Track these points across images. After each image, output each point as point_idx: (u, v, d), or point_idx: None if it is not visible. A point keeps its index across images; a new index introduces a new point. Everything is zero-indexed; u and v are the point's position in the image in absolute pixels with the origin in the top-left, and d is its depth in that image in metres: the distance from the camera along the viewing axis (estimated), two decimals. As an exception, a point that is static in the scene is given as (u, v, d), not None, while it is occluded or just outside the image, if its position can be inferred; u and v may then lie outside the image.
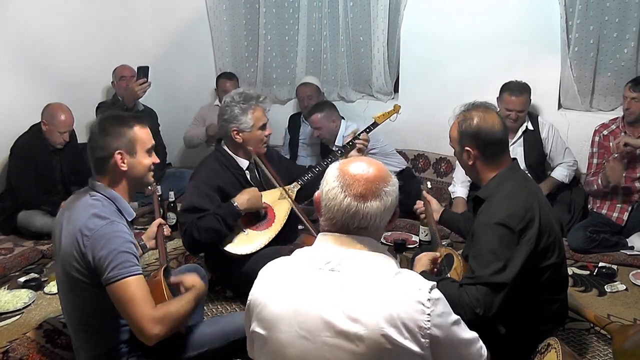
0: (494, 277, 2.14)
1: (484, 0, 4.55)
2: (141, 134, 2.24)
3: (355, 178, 1.53)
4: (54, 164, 4.27)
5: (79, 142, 4.62)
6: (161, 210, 3.76)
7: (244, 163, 3.31)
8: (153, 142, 2.30)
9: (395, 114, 3.95)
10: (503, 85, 4.19)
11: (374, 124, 3.95)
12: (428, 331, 1.43)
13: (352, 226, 1.54)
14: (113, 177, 2.20)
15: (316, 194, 1.64)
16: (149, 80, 4.50)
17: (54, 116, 4.10)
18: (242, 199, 3.10)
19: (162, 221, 2.77)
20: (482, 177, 2.45)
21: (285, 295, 1.53)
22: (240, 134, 3.21)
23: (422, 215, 3.01)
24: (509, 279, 2.14)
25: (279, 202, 3.30)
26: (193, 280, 2.35)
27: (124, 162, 2.18)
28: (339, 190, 1.53)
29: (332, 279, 1.50)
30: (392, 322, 1.42)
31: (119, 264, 1.99)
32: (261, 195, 3.21)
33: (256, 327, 1.57)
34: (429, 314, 1.44)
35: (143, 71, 4.52)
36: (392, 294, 1.45)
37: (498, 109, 4.13)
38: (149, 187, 2.60)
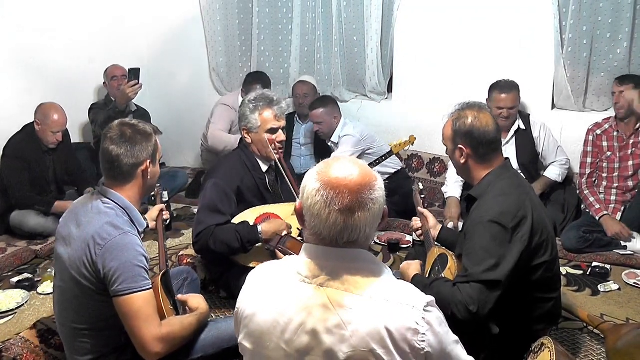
0: (487, 274, 2.13)
1: (477, 0, 4.56)
2: (159, 143, 2.28)
3: (339, 190, 1.41)
4: (47, 164, 4.25)
5: (72, 142, 4.63)
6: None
7: (264, 166, 3.26)
8: None
9: (410, 145, 3.98)
10: (491, 85, 4.20)
11: (390, 153, 4.03)
12: (422, 352, 1.38)
13: (341, 241, 1.45)
14: (132, 185, 2.20)
15: (297, 203, 1.53)
16: (140, 81, 4.49)
17: (47, 116, 4.08)
18: (267, 229, 2.99)
19: (163, 207, 2.87)
20: (474, 176, 2.46)
21: (271, 309, 1.48)
22: (249, 134, 3.17)
23: (419, 232, 2.95)
24: (502, 276, 2.14)
25: (292, 219, 3.18)
26: (198, 302, 2.36)
27: (149, 172, 2.21)
28: (322, 205, 1.42)
29: (320, 296, 1.44)
30: (382, 342, 1.37)
31: (130, 277, 1.99)
32: (287, 228, 3.09)
33: (243, 340, 1.56)
34: (423, 334, 1.38)
35: (134, 73, 4.51)
36: (384, 312, 1.39)
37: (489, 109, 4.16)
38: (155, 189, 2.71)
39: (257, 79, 4.93)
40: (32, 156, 4.14)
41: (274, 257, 3.03)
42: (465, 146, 2.41)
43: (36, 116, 4.11)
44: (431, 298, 1.45)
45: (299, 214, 1.52)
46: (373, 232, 1.51)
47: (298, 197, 1.52)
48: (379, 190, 1.48)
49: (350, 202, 1.41)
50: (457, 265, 2.46)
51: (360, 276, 1.45)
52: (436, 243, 2.82)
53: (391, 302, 1.41)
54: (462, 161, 2.45)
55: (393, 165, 4.70)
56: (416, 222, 2.97)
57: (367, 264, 1.49)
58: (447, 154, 2.56)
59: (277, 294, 1.50)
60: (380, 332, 1.37)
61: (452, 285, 2.18)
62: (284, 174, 3.20)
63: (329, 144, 4.74)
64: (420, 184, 3.26)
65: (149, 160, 2.20)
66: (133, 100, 4.95)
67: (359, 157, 4.47)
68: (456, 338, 1.50)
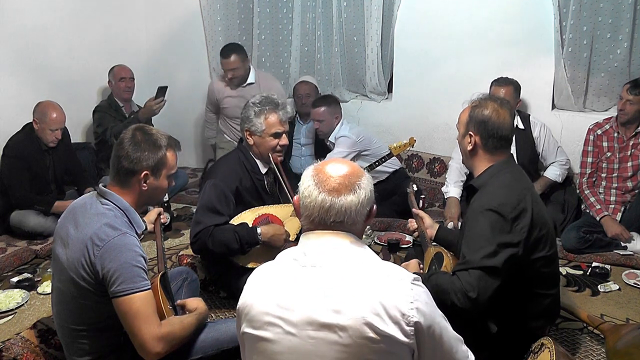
0: (485, 261, 2.14)
1: (477, 0, 4.56)
2: (171, 158, 2.25)
3: (329, 175, 1.59)
4: (47, 163, 4.25)
5: (73, 142, 4.63)
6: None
7: (263, 168, 3.25)
8: (176, 168, 2.32)
9: (410, 146, 3.99)
10: (492, 81, 4.22)
11: (389, 155, 4.04)
12: (412, 319, 1.45)
13: (328, 221, 1.58)
14: (130, 190, 2.19)
15: (295, 197, 1.68)
16: (165, 98, 4.69)
17: (44, 114, 4.08)
18: (266, 232, 3.00)
19: (161, 210, 2.87)
20: (477, 166, 2.45)
21: (270, 293, 1.56)
22: (251, 137, 3.16)
23: (416, 234, 2.95)
24: (500, 263, 2.15)
25: (290, 220, 3.22)
26: (197, 303, 2.36)
27: (145, 183, 2.18)
28: (313, 187, 1.59)
29: (314, 275, 1.53)
30: (375, 310, 1.44)
31: (128, 278, 1.99)
32: (285, 233, 3.10)
33: (245, 328, 1.59)
34: (412, 302, 1.46)
35: (162, 91, 4.68)
36: (374, 283, 1.49)
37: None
38: None
39: (231, 50, 4.82)
40: (32, 155, 4.13)
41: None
42: (475, 134, 2.40)
43: (34, 115, 4.11)
44: (417, 275, 1.56)
45: (297, 206, 1.67)
46: (360, 220, 1.62)
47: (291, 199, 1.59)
48: (366, 181, 1.63)
49: (338, 184, 1.58)
50: (452, 263, 2.46)
51: (351, 256, 1.56)
52: (433, 243, 2.82)
53: (381, 276, 1.52)
54: (470, 148, 2.43)
55: (392, 164, 4.71)
56: (412, 223, 2.97)
57: (355, 244, 1.60)
58: (457, 138, 2.55)
59: (275, 280, 1.59)
60: (373, 302, 1.45)
61: (451, 274, 2.19)
62: (281, 178, 3.20)
63: (327, 143, 4.74)
64: (414, 186, 3.26)
65: (147, 172, 2.17)
66: (134, 100, 4.99)
67: (355, 158, 4.49)
68: (443, 314, 1.57)
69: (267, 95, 3.21)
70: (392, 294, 1.47)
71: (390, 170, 4.62)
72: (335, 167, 1.62)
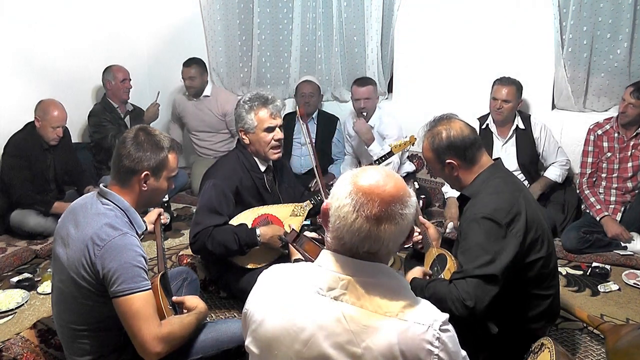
0: (483, 269, 2.14)
1: (477, 0, 4.56)
2: (172, 161, 2.26)
3: (370, 197, 1.38)
4: (47, 162, 4.25)
5: (73, 141, 4.63)
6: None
7: (262, 166, 3.25)
8: (177, 170, 2.33)
9: (410, 145, 4.02)
10: (495, 80, 4.24)
11: (390, 153, 4.06)
12: None
13: (361, 250, 1.41)
14: (130, 190, 2.19)
15: (325, 203, 1.49)
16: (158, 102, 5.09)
17: (46, 112, 4.09)
18: (265, 233, 2.98)
19: (161, 210, 2.85)
20: (467, 182, 2.46)
21: (283, 317, 1.44)
22: (246, 135, 3.16)
23: (420, 245, 2.87)
24: (498, 271, 2.14)
25: (290, 219, 3.21)
26: (196, 302, 2.35)
27: (146, 183, 2.19)
28: (350, 209, 1.38)
29: (334, 309, 1.40)
30: None
31: (129, 278, 1.98)
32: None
33: (250, 345, 1.52)
34: (436, 355, 1.35)
35: (157, 96, 4.99)
36: (398, 331, 1.35)
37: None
38: None
39: (193, 61, 5.28)
40: (32, 154, 4.14)
41: (275, 257, 3.03)
42: (452, 158, 2.41)
43: (36, 112, 4.12)
44: (447, 316, 1.42)
45: (325, 214, 1.49)
46: (395, 248, 1.47)
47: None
48: (411, 208, 1.44)
49: (379, 211, 1.38)
50: (456, 266, 2.46)
51: (377, 292, 1.41)
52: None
53: (407, 321, 1.37)
54: (455, 174, 2.45)
55: (408, 168, 4.71)
56: (416, 237, 2.89)
57: (385, 279, 1.45)
58: (436, 175, 2.55)
59: (290, 302, 1.46)
60: (393, 351, 1.34)
61: (449, 283, 2.18)
62: (315, 168, 3.28)
63: (369, 130, 4.69)
64: (415, 183, 3.21)
65: (147, 172, 2.17)
66: (129, 101, 4.99)
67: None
68: (464, 354, 1.47)
69: (256, 92, 3.22)
70: (416, 345, 1.34)
71: (405, 174, 4.62)
72: (378, 185, 1.40)
